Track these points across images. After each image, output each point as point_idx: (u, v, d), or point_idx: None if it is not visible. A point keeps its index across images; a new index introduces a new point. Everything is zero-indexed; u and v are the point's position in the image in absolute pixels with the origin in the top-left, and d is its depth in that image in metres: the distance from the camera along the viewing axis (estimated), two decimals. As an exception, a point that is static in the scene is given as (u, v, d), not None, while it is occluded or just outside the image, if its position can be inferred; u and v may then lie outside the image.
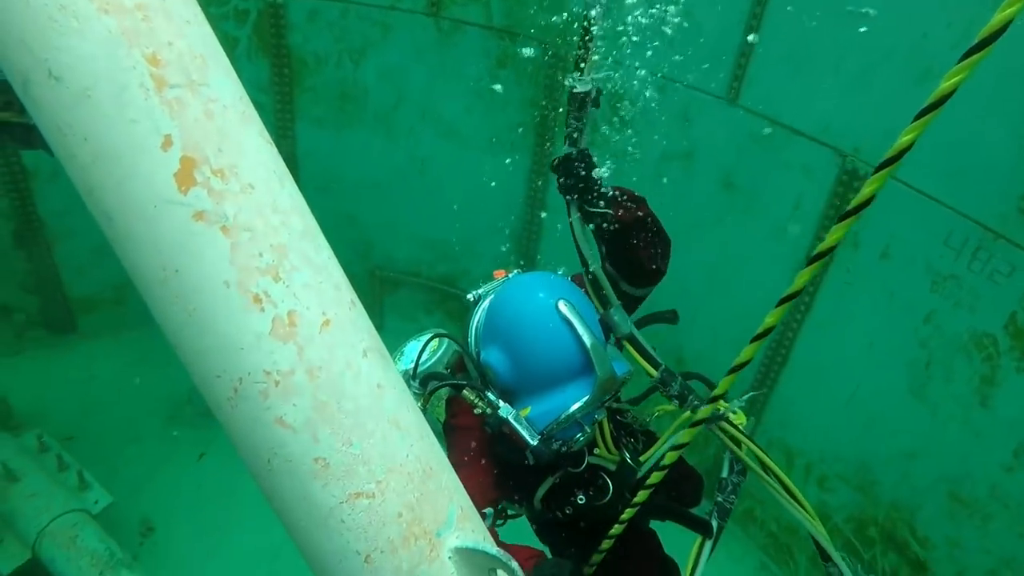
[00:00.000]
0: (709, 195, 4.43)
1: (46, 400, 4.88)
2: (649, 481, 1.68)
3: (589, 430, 1.86)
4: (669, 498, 2.32)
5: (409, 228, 5.77)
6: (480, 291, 2.14)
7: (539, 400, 1.80)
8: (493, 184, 5.26)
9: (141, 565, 4.18)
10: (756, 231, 4.31)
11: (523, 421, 1.79)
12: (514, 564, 1.06)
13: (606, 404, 1.95)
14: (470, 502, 1.25)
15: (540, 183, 5.13)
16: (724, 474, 2.31)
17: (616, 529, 1.80)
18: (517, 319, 1.84)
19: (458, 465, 1.50)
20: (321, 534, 1.06)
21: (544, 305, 1.80)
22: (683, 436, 1.62)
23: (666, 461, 1.63)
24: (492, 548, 1.09)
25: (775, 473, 2.10)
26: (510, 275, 2.17)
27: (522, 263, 2.77)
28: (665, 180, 4.60)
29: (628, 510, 1.78)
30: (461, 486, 1.23)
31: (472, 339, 2.00)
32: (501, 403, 1.82)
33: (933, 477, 3.82)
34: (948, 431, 3.72)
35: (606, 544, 1.88)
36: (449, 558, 1.12)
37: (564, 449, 1.86)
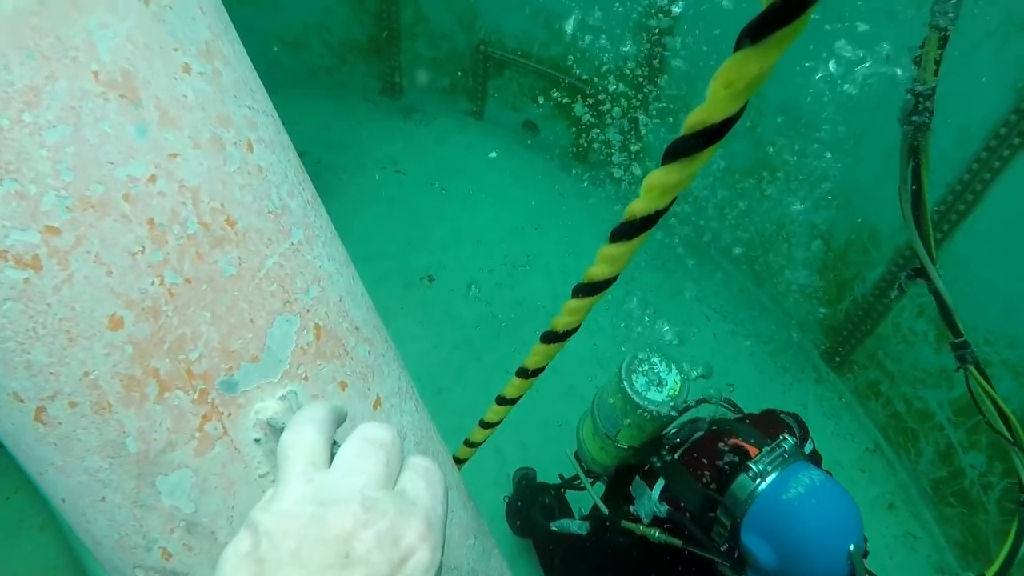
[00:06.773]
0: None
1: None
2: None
3: None
4: None
5: (521, -6, 4.82)
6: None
7: None
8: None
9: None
10: None
11: None
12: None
13: None
14: (364, 322, 0.57)
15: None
16: None
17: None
18: (807, 547, 1.94)
19: None
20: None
21: (839, 554, 1.88)
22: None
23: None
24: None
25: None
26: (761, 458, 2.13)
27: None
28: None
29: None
30: (345, 283, 0.55)
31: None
32: None
33: None
34: None
35: None
36: (256, 440, 0.48)
37: None
